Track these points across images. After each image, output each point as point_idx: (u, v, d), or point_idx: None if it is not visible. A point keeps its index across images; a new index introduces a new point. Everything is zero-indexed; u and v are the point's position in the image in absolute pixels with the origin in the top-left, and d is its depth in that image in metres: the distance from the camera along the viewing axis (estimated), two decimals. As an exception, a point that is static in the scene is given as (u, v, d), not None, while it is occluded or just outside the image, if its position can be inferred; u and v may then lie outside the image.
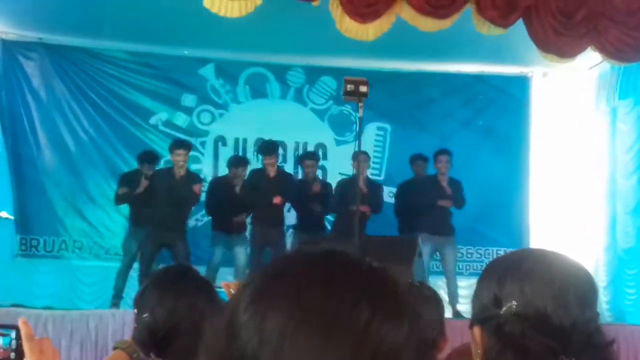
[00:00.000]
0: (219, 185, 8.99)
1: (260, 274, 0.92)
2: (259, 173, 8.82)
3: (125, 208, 9.16)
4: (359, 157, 7.61)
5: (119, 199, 8.76)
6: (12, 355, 1.74)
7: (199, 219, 9.77)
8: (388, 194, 9.46)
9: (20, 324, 1.70)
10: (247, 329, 0.86)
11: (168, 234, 8.28)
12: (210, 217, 9.13)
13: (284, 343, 0.83)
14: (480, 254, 10.12)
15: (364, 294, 0.87)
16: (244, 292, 0.90)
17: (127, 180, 8.69)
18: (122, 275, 8.37)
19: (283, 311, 0.85)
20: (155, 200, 8.39)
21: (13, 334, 1.74)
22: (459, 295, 8.49)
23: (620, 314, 8.86)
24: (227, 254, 8.59)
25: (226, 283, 2.47)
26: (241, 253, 8.56)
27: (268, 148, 8.84)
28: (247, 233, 8.88)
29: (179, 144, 8.58)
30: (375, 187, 9.02)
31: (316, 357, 0.82)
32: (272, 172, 8.70)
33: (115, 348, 2.55)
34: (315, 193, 8.80)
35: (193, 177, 8.63)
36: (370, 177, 9.43)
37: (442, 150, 8.81)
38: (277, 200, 8.58)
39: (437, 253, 8.84)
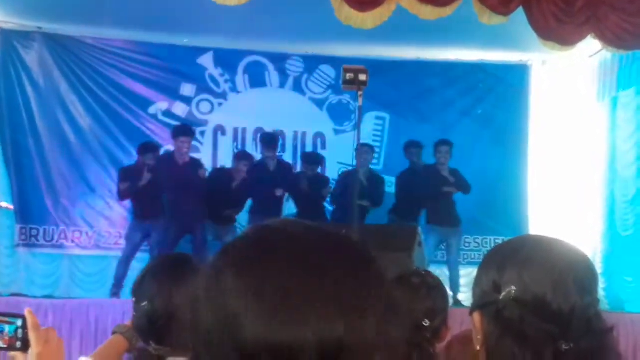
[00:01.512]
0: (219, 176, 9.03)
1: (248, 240, 0.92)
2: (259, 166, 8.92)
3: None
4: (360, 150, 7.63)
5: (123, 194, 8.74)
6: (18, 344, 1.74)
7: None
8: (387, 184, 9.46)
9: (26, 313, 1.71)
10: (245, 306, 0.85)
11: (188, 219, 8.33)
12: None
13: (281, 313, 0.83)
14: (478, 243, 10.10)
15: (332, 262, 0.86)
16: (226, 256, 0.90)
17: (128, 174, 8.68)
18: (124, 264, 8.37)
19: (276, 280, 0.85)
20: (163, 189, 8.41)
21: (19, 323, 1.74)
22: (459, 285, 8.54)
23: (619, 302, 8.86)
24: (215, 244, 8.70)
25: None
26: None
27: (270, 141, 8.92)
28: (236, 224, 9.00)
29: (183, 131, 8.59)
30: (377, 181, 9.05)
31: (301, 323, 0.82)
32: (271, 165, 8.77)
33: (114, 332, 2.57)
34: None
35: (196, 163, 8.66)
36: (372, 168, 9.45)
37: (443, 140, 8.82)
38: (278, 192, 8.65)
39: (444, 244, 8.90)
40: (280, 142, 10.02)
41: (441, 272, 8.87)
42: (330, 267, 0.85)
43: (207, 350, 0.85)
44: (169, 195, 8.52)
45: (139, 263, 8.23)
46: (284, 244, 0.88)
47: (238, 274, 0.86)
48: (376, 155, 10.21)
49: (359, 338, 0.82)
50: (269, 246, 0.88)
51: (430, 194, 8.65)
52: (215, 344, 0.84)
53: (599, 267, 9.07)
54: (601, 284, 8.98)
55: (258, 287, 0.83)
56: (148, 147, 8.80)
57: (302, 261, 0.85)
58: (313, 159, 9.34)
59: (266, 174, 8.76)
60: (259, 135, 9.72)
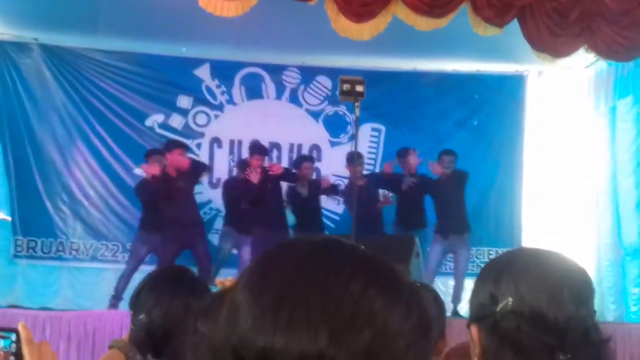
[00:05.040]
0: (236, 184, 8.94)
1: (257, 258, 0.93)
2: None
3: (120, 211, 9.37)
4: (350, 158, 7.63)
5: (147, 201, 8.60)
6: (12, 358, 1.74)
7: (206, 212, 9.78)
8: (382, 195, 9.43)
9: (19, 327, 1.71)
10: (244, 307, 0.86)
11: (185, 232, 8.28)
12: (213, 214, 9.16)
13: (282, 314, 0.83)
14: (471, 254, 10.07)
15: (359, 269, 0.88)
16: (242, 276, 0.91)
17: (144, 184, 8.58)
18: (126, 277, 8.17)
19: (280, 285, 0.86)
20: (161, 204, 8.39)
21: (13, 337, 1.74)
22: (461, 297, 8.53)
23: (625, 313, 8.83)
24: (232, 255, 8.70)
25: (221, 280, 2.48)
26: (248, 253, 8.56)
27: (260, 147, 8.93)
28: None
29: (177, 144, 8.60)
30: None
31: (313, 327, 0.82)
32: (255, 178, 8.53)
33: (110, 347, 2.56)
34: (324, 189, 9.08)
35: (196, 167, 8.67)
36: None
37: (448, 150, 8.86)
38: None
39: (450, 254, 8.87)
40: (276, 153, 10.03)
41: (442, 283, 8.93)
42: (327, 280, 0.86)
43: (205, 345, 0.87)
44: (166, 210, 8.44)
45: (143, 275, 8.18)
46: (291, 256, 0.90)
47: (246, 286, 0.88)
48: (371, 167, 10.20)
49: (344, 351, 0.83)
50: (279, 257, 0.91)
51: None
52: (215, 342, 0.86)
53: (605, 279, 9.05)
54: (610, 297, 8.97)
55: (258, 294, 0.86)
56: (154, 150, 8.79)
57: (301, 272, 0.87)
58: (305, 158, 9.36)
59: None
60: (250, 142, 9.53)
